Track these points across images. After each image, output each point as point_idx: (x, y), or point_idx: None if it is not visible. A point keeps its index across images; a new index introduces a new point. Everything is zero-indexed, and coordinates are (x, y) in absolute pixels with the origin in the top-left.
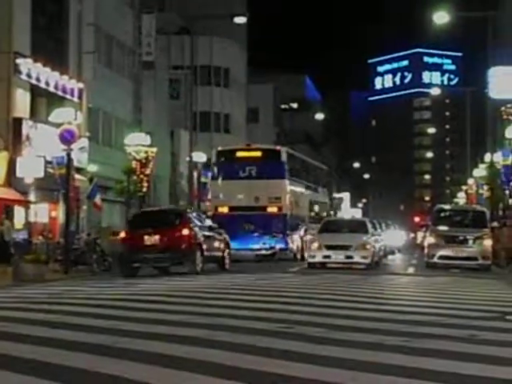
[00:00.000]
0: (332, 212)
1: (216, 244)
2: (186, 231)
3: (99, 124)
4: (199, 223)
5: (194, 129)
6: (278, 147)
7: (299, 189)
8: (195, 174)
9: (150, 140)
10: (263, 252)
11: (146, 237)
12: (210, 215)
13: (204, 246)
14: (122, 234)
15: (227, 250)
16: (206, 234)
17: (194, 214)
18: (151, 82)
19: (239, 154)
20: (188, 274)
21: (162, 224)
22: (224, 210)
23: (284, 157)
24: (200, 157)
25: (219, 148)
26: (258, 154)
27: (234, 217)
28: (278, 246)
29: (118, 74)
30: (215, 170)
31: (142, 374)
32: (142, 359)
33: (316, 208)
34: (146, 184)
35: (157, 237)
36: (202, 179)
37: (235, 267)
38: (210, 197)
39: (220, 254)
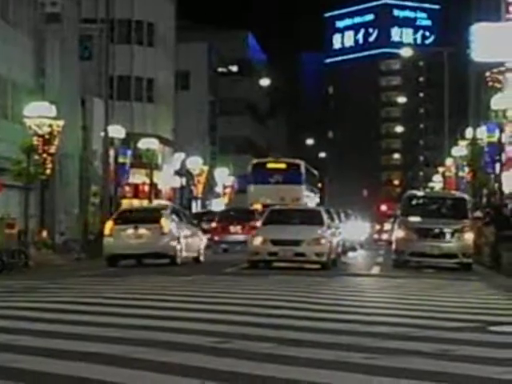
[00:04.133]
0: None
1: None
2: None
3: None
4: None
5: (111, 97)
6: (298, 161)
7: (308, 191)
8: (112, 153)
9: (55, 111)
10: None
11: (231, 227)
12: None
13: None
14: (213, 225)
15: None
16: None
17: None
18: (57, 38)
19: (270, 165)
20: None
21: (241, 218)
22: (258, 206)
23: (302, 168)
24: (118, 131)
25: (254, 161)
26: (284, 165)
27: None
28: None
29: (14, 28)
30: (252, 176)
31: None
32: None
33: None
34: (50, 165)
35: (238, 227)
36: (120, 159)
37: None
38: (248, 197)
39: None
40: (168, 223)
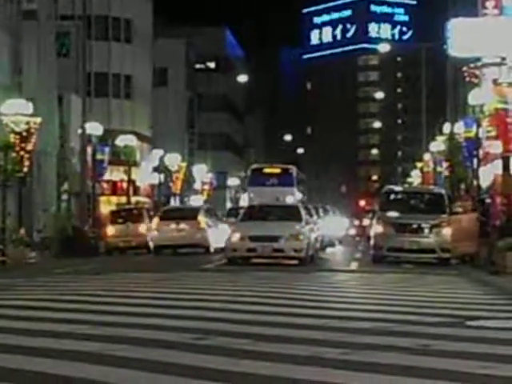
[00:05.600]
0: None
1: None
2: None
3: None
4: None
5: (88, 94)
6: (290, 166)
7: (299, 193)
8: (89, 150)
9: (32, 108)
10: None
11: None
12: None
13: None
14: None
15: None
16: None
17: None
18: (34, 35)
19: (266, 170)
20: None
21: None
22: None
23: (294, 173)
24: (95, 128)
25: (253, 166)
26: (279, 170)
27: None
28: None
29: None
30: (251, 180)
31: None
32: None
33: None
34: (27, 162)
35: None
36: (98, 156)
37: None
38: (247, 198)
39: None
40: (204, 219)
